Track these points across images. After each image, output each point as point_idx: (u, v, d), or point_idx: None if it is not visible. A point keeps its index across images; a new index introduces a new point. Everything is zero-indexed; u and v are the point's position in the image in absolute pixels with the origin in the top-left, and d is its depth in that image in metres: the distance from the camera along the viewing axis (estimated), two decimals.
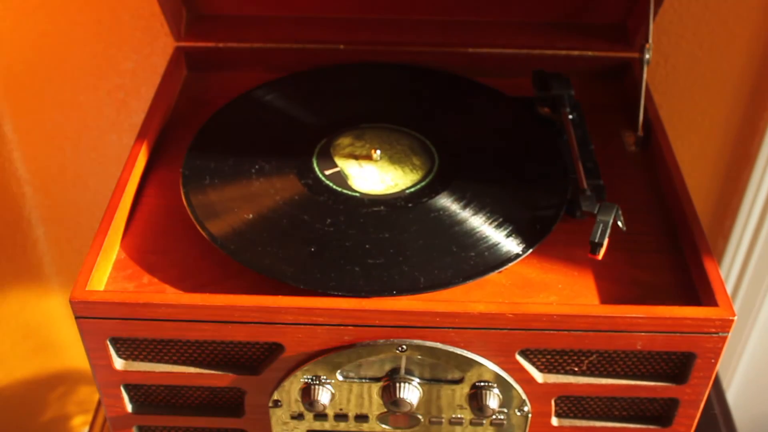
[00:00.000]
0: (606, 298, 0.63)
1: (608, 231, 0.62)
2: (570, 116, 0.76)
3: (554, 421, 0.67)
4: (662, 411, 0.67)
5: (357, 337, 0.61)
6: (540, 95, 0.78)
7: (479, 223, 0.66)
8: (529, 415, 0.65)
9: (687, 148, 1.06)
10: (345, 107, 0.80)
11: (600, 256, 0.63)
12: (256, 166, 0.72)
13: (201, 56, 0.88)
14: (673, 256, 0.67)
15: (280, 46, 0.87)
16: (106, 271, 0.64)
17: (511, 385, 0.63)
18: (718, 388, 1.06)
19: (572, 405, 0.67)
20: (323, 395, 0.63)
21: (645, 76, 0.77)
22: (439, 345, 0.61)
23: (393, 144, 0.75)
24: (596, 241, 0.62)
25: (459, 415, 0.66)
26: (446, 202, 0.68)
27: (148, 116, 0.77)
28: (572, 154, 0.72)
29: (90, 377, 1.28)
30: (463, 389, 0.64)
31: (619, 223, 0.64)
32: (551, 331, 0.60)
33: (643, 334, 0.60)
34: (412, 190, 0.69)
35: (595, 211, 0.64)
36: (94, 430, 1.01)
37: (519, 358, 0.62)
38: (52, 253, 1.19)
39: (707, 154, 1.07)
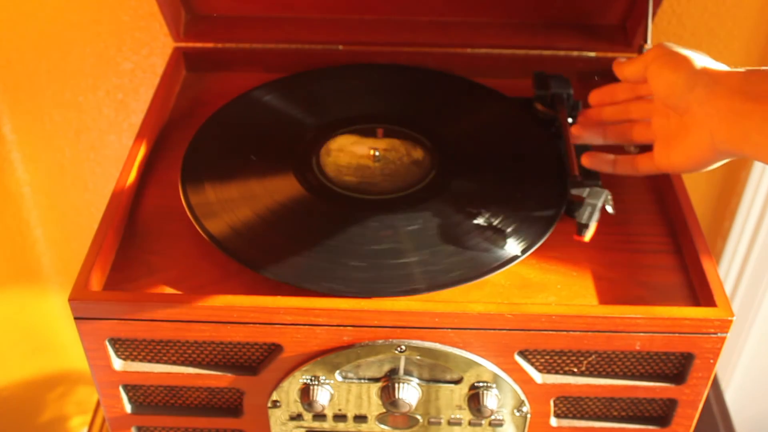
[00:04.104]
0: (605, 299, 0.63)
1: (596, 213, 0.63)
2: (569, 118, 0.76)
3: (553, 422, 0.67)
4: (661, 411, 0.67)
5: (356, 338, 0.61)
6: (539, 94, 0.78)
7: (478, 224, 0.66)
8: (528, 416, 0.65)
9: None
10: (344, 107, 0.80)
11: (587, 238, 0.63)
12: (255, 167, 0.72)
13: (200, 57, 0.88)
14: (671, 257, 0.67)
15: (279, 47, 0.87)
16: (105, 272, 0.64)
17: (510, 386, 0.63)
18: (716, 389, 1.07)
19: (571, 405, 0.67)
20: (322, 396, 0.63)
21: None
22: (437, 345, 0.61)
23: (393, 144, 0.75)
24: (583, 222, 0.63)
25: (458, 416, 0.66)
26: (446, 202, 0.68)
27: (147, 116, 0.77)
28: (566, 144, 0.72)
29: (89, 377, 1.28)
30: (462, 390, 0.64)
31: (608, 208, 0.65)
32: (550, 332, 0.60)
33: (641, 334, 0.60)
34: (412, 190, 0.70)
35: (585, 195, 0.65)
36: (92, 431, 1.01)
37: (518, 359, 0.62)
38: (51, 254, 1.19)
39: None
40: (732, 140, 0.57)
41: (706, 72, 0.59)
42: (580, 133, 0.71)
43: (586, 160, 0.70)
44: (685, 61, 0.61)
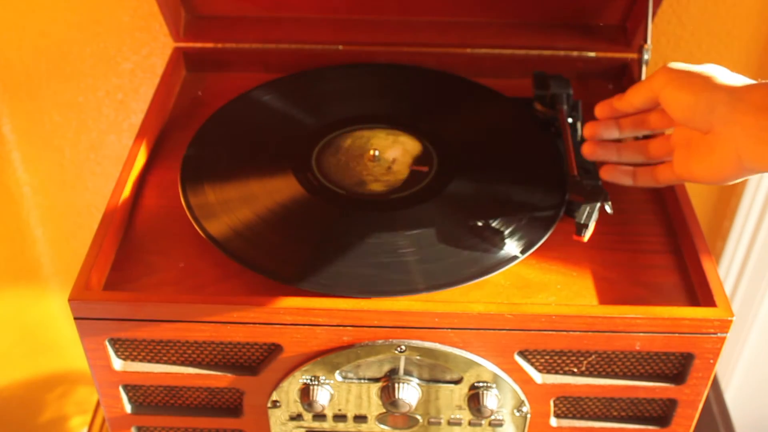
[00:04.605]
0: (605, 299, 0.63)
1: (594, 213, 0.63)
2: (569, 118, 0.76)
3: (553, 422, 0.67)
4: (661, 411, 0.67)
5: (356, 338, 0.61)
6: (538, 94, 0.78)
7: (478, 224, 0.66)
8: (528, 416, 0.65)
9: None
10: (344, 107, 0.80)
11: (585, 238, 0.63)
12: (255, 167, 0.72)
13: (200, 57, 0.88)
14: (671, 257, 0.67)
15: (279, 47, 0.87)
16: (105, 272, 0.64)
17: (510, 386, 0.63)
18: (716, 389, 1.07)
19: (571, 405, 0.67)
20: (322, 396, 0.63)
21: (644, 76, 0.78)
22: (437, 345, 0.61)
23: (392, 144, 0.75)
24: (582, 222, 0.62)
25: (458, 416, 0.66)
26: (445, 202, 0.68)
27: (147, 117, 0.77)
28: (566, 144, 0.72)
29: (89, 377, 1.28)
30: (462, 390, 0.64)
31: (607, 208, 0.65)
32: (550, 332, 0.60)
33: (641, 334, 0.60)
34: (412, 190, 0.70)
35: (583, 195, 0.65)
36: (92, 431, 1.01)
37: (518, 359, 0.62)
38: (51, 254, 1.19)
39: None
40: (761, 158, 0.55)
41: (725, 89, 0.57)
42: (593, 150, 0.68)
43: (606, 174, 0.68)
44: (701, 80, 0.58)
